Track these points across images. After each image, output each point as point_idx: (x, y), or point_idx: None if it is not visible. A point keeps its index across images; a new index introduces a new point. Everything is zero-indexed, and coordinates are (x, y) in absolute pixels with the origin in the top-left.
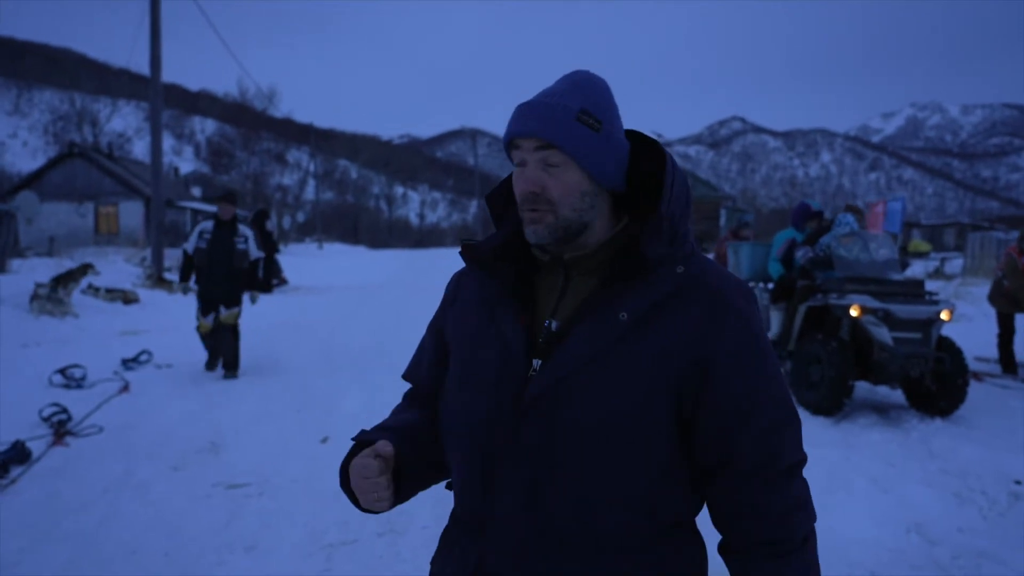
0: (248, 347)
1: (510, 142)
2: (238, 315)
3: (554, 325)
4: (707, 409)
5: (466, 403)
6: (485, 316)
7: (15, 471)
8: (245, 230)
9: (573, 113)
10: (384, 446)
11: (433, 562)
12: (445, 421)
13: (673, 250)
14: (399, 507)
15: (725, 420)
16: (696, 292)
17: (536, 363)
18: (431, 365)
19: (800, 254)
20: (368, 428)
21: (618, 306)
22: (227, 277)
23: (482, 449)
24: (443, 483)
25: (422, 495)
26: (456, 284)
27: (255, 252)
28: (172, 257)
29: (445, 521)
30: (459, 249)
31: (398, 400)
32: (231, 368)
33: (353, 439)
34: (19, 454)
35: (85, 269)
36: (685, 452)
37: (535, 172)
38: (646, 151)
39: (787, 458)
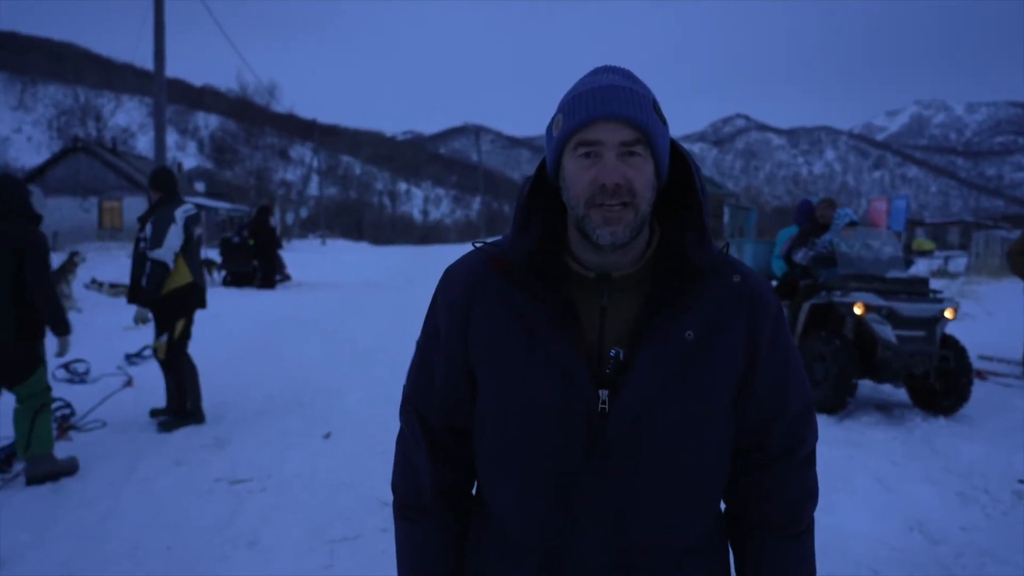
0: (251, 342)
1: (580, 128)
2: (165, 347)
3: (621, 354)
4: (752, 399)
5: (523, 436)
6: (527, 341)
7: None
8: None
9: (651, 103)
10: None
11: None
12: (494, 460)
13: (717, 256)
14: None
15: (766, 408)
16: (742, 295)
17: (603, 394)
18: (463, 398)
19: (800, 255)
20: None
21: (681, 325)
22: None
23: (554, 482)
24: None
25: None
26: (467, 295)
27: (151, 252)
28: None
29: None
30: (485, 258)
31: (398, 394)
32: (174, 414)
33: None
34: None
35: (73, 258)
36: None
37: (618, 162)
38: None
39: (809, 443)
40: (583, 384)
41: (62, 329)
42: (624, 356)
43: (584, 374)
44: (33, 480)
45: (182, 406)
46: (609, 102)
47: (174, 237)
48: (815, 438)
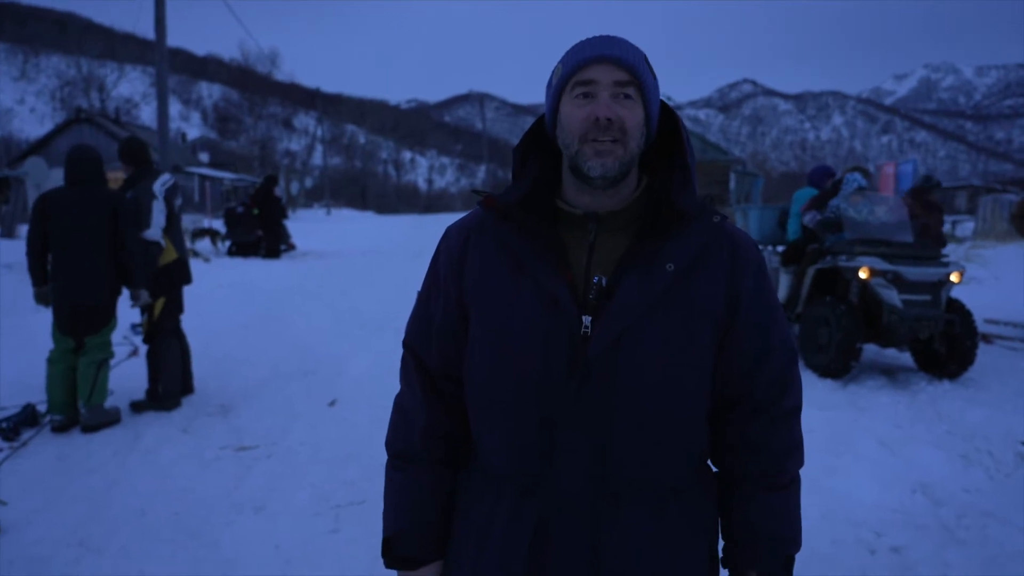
0: (256, 312)
1: (577, 70)
2: (146, 326)
3: (604, 281)
4: (734, 345)
5: (509, 365)
6: (515, 272)
7: (26, 434)
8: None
9: (643, 55)
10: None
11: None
12: (481, 386)
13: (701, 202)
14: None
15: (749, 355)
16: (723, 238)
17: (586, 320)
18: (459, 337)
19: (808, 217)
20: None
21: (662, 258)
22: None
23: (537, 411)
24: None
25: None
26: (464, 240)
27: (142, 234)
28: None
29: None
30: (480, 200)
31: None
32: (146, 395)
33: (395, 557)
34: (30, 417)
35: None
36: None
37: (611, 100)
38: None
39: (793, 398)
40: (567, 308)
41: (144, 282)
42: (607, 284)
43: (568, 298)
44: (88, 427)
45: (153, 389)
46: (604, 46)
47: (159, 213)
48: (799, 394)
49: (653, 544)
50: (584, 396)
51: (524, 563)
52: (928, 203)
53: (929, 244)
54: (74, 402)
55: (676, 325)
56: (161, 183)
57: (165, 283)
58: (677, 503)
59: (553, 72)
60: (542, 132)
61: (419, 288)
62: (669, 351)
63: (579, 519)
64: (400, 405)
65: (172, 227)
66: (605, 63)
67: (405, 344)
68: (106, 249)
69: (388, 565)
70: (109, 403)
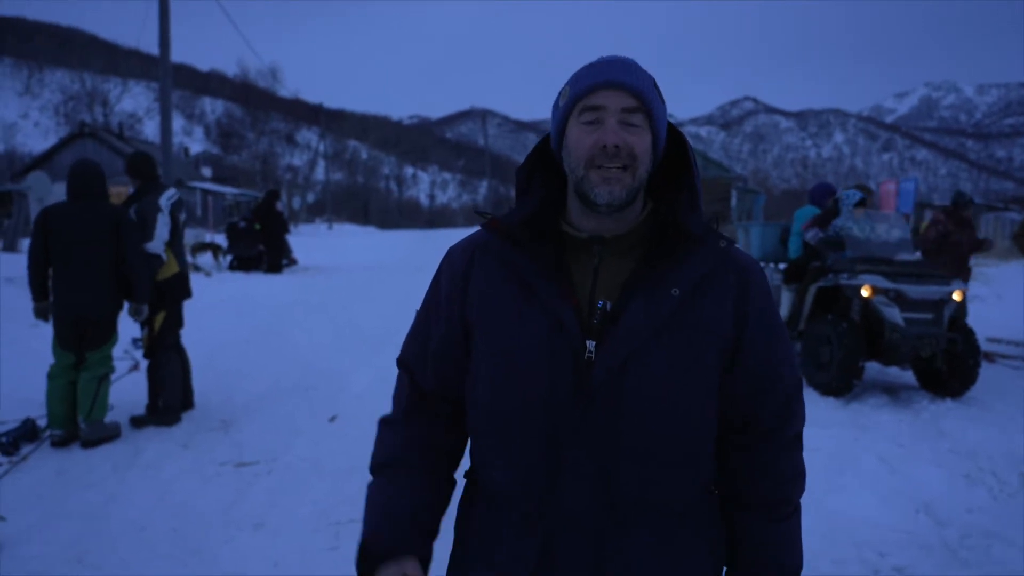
0: (258, 327)
1: (585, 94)
2: (147, 341)
3: (608, 306)
4: (739, 367)
5: (515, 384)
6: (521, 294)
7: (25, 448)
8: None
9: (651, 80)
10: (413, 569)
11: (459, 551)
12: (485, 405)
13: (706, 224)
14: None
15: (754, 377)
16: (728, 262)
17: (590, 344)
18: (458, 357)
19: (810, 235)
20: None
21: (668, 283)
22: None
23: (542, 429)
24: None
25: None
26: (468, 259)
27: (144, 246)
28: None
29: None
30: (484, 222)
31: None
32: (147, 410)
33: (368, 553)
34: (29, 431)
35: None
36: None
37: (618, 127)
38: None
39: (797, 424)
40: (571, 331)
41: (146, 296)
42: (612, 308)
43: (572, 321)
44: (88, 442)
45: (153, 403)
46: (613, 71)
47: (163, 227)
48: (803, 419)
49: (659, 564)
50: (589, 420)
51: None
52: (961, 220)
53: (934, 263)
54: (74, 417)
55: (682, 348)
56: (167, 197)
57: (166, 297)
58: (683, 525)
59: (560, 93)
60: (546, 151)
61: (420, 304)
62: (675, 375)
63: (584, 539)
64: (385, 420)
65: (175, 241)
66: (614, 88)
67: (400, 362)
68: (108, 264)
69: (361, 572)
70: (109, 418)
